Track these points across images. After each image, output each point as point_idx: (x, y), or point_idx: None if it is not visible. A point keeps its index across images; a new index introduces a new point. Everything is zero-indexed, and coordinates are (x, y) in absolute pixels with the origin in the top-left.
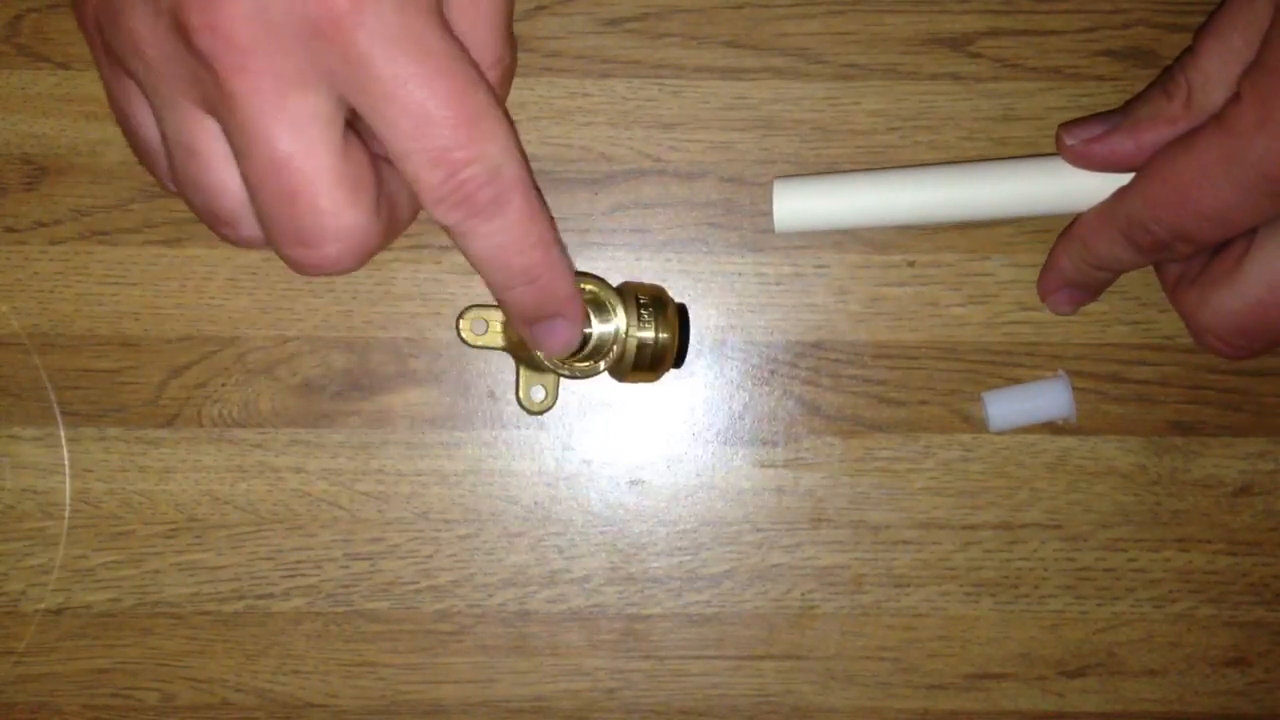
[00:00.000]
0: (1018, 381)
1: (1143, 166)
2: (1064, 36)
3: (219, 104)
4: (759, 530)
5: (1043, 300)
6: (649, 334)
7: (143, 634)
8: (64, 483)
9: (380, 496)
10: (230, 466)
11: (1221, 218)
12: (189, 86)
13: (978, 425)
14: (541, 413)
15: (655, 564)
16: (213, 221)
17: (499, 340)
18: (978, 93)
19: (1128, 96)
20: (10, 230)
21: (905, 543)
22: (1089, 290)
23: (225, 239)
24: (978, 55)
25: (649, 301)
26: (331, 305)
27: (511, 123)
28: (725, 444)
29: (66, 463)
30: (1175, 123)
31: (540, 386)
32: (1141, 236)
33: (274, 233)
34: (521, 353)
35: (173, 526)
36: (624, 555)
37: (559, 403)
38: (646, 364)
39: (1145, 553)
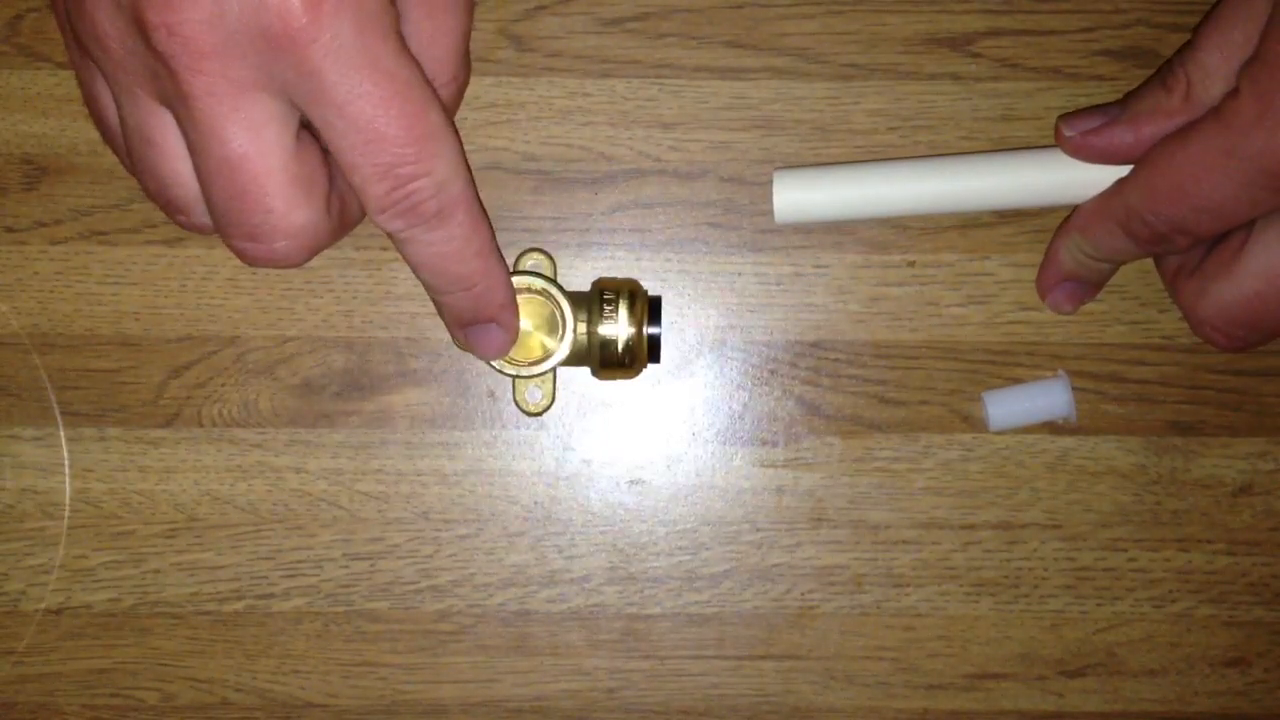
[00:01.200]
0: (1018, 381)
1: (1141, 159)
2: (1064, 36)
3: (175, 100)
4: (759, 530)
5: (1042, 297)
6: (611, 330)
7: (142, 634)
8: (64, 483)
9: (380, 496)
10: (230, 466)
11: (1219, 211)
12: (147, 80)
13: (978, 425)
14: (539, 414)
15: (655, 564)
16: (165, 207)
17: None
18: (978, 93)
19: None
20: (10, 230)
21: (905, 543)
22: (1088, 284)
23: (177, 224)
24: (978, 55)
25: (614, 297)
26: (331, 305)
27: (460, 140)
28: (725, 444)
29: (66, 463)
30: (1174, 116)
31: (537, 388)
32: (1139, 229)
33: (224, 226)
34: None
35: (173, 526)
36: (624, 555)
37: (559, 403)
38: (615, 360)
39: (1145, 553)
